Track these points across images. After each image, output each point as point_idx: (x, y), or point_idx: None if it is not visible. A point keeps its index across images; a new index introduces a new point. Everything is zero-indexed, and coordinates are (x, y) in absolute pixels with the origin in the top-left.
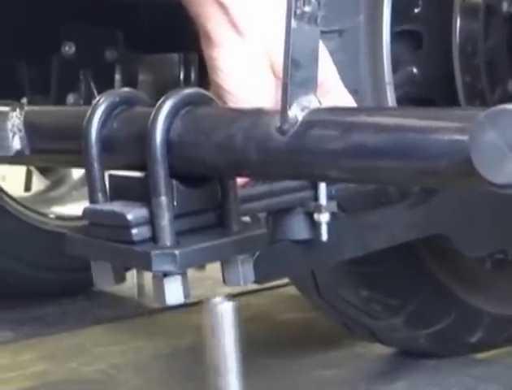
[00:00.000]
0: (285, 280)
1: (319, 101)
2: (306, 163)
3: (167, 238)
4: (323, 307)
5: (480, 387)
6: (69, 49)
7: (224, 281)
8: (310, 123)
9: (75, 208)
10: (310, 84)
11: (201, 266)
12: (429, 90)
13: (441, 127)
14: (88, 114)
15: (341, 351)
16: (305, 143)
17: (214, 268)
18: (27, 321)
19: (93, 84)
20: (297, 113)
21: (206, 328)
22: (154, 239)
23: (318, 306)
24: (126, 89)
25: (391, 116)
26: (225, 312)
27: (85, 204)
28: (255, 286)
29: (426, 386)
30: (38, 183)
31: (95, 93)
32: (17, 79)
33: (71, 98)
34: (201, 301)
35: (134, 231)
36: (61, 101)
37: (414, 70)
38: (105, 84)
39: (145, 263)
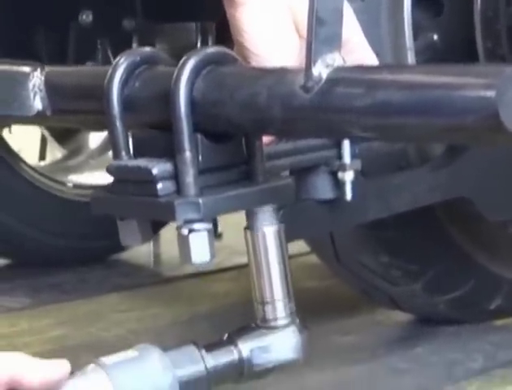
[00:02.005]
0: (302, 250)
1: (343, 59)
2: (331, 120)
3: (191, 191)
4: (342, 274)
5: (500, 353)
6: (86, 17)
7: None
8: (334, 81)
9: (92, 177)
10: (334, 41)
11: (218, 235)
12: (450, 56)
13: (468, 84)
14: (109, 73)
15: (360, 318)
16: (329, 100)
17: (230, 237)
18: (44, 288)
19: (110, 53)
20: (321, 70)
21: (249, 256)
22: (178, 193)
23: (337, 273)
24: (147, 48)
25: (417, 73)
26: (268, 235)
27: (103, 173)
28: None
29: (446, 352)
30: (54, 152)
31: (112, 62)
32: (34, 47)
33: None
34: (218, 270)
35: (159, 185)
36: None
37: (435, 36)
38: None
39: (169, 213)
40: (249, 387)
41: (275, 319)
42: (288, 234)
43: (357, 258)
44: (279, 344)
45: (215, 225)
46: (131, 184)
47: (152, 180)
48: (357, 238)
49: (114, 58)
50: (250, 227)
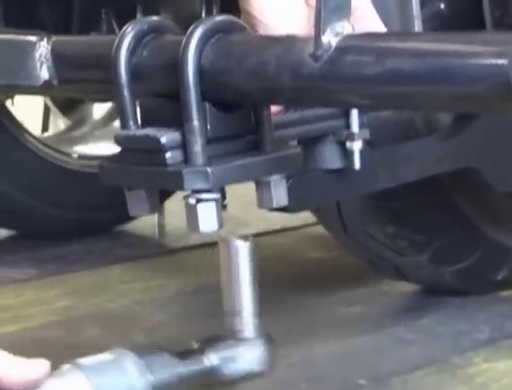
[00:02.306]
0: (308, 221)
1: (353, 28)
2: (340, 89)
3: (199, 161)
4: (348, 244)
5: (507, 324)
6: None
7: (257, 204)
8: (344, 49)
9: (97, 148)
10: (343, 9)
11: (224, 206)
12: (457, 26)
13: (479, 51)
14: (116, 42)
15: (366, 289)
16: (339, 69)
17: (236, 209)
18: (49, 259)
19: (114, 24)
20: (330, 39)
21: (222, 267)
22: (186, 162)
23: (343, 244)
24: (154, 17)
25: (427, 41)
26: (240, 250)
27: (107, 143)
28: (279, 226)
29: (452, 323)
30: (57, 123)
31: (117, 32)
32: (39, 18)
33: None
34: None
35: (168, 154)
36: None
37: (442, 5)
38: (126, 21)
39: (177, 182)
40: None
41: (243, 331)
42: (296, 204)
43: (363, 229)
44: (245, 355)
45: (223, 195)
46: (139, 153)
47: (160, 149)
48: (364, 209)
49: (119, 28)
50: (225, 239)
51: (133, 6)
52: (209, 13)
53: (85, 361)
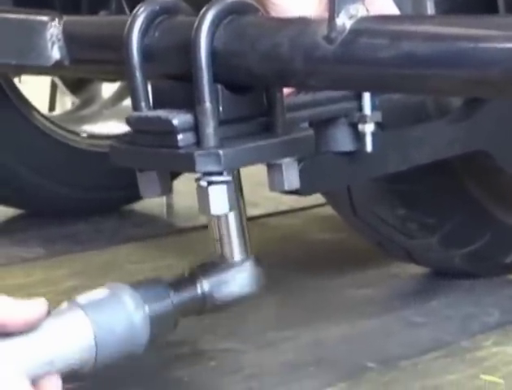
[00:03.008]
0: (317, 201)
1: (367, 10)
2: (354, 72)
3: (211, 143)
4: (358, 226)
5: None
6: None
7: (269, 187)
8: (358, 32)
9: (106, 127)
10: None
11: None
12: (469, 8)
13: (493, 35)
14: (128, 23)
15: (375, 271)
16: (353, 51)
17: (244, 189)
18: (58, 238)
19: (124, 3)
20: (344, 21)
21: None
22: (198, 144)
23: (353, 226)
24: None
25: (442, 24)
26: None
27: (116, 123)
28: (287, 207)
29: (461, 306)
30: (64, 101)
31: (126, 9)
32: None
33: (102, 15)
34: None
35: (180, 136)
36: None
37: None
38: (136, 1)
39: (188, 164)
40: (267, 342)
41: (232, 256)
42: (308, 187)
43: (373, 211)
44: (236, 278)
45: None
46: (150, 135)
47: (172, 131)
48: (374, 191)
49: (129, 7)
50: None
51: None
52: None
53: (83, 298)
